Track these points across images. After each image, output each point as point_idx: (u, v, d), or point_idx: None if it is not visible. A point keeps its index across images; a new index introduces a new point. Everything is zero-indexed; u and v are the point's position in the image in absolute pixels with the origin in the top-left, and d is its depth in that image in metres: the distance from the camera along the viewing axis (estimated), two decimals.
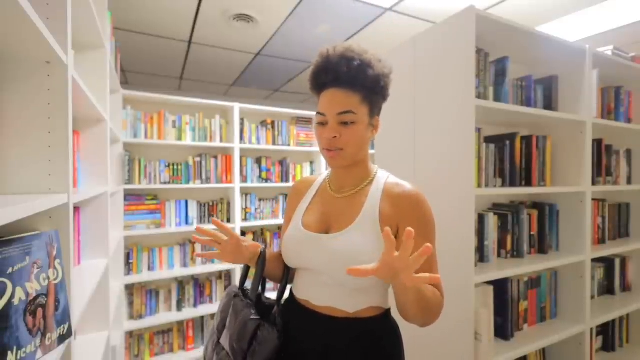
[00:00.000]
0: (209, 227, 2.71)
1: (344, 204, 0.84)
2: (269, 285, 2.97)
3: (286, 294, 0.92)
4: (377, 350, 0.79)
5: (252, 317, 0.81)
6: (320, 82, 0.81)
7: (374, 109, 0.82)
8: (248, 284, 0.94)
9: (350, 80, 0.77)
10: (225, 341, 0.83)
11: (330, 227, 0.83)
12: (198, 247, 2.75)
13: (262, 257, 0.87)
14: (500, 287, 1.48)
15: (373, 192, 0.83)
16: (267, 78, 4.31)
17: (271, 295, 0.92)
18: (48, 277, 0.70)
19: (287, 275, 0.92)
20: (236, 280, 2.80)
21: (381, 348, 0.80)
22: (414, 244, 0.59)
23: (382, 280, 0.77)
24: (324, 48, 0.82)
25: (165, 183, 2.62)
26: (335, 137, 0.78)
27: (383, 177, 0.86)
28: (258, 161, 3.04)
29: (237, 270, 2.79)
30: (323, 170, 3.27)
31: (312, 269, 0.82)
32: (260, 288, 0.92)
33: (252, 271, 0.88)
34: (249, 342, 0.78)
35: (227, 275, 2.87)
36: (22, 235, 0.66)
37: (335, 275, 0.78)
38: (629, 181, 2.07)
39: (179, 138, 2.68)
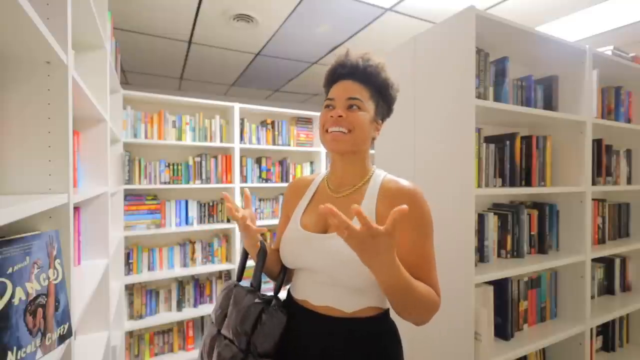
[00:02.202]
0: (210, 227, 2.71)
1: (342, 204, 0.84)
2: (266, 286, 2.96)
3: (283, 295, 0.92)
4: (376, 351, 0.79)
5: (256, 300, 0.82)
6: (337, 74, 0.86)
7: (378, 111, 0.86)
8: (243, 283, 0.94)
9: (364, 77, 0.83)
10: (226, 330, 0.83)
11: (328, 227, 0.83)
12: (198, 247, 2.75)
13: (262, 249, 0.88)
14: (500, 287, 1.48)
15: (370, 191, 0.83)
16: (267, 78, 4.31)
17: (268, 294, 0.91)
18: (48, 277, 0.70)
19: (284, 272, 0.92)
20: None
21: (380, 349, 0.80)
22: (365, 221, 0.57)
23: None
24: (346, 49, 0.88)
25: (165, 183, 2.62)
26: (341, 116, 0.80)
27: (380, 175, 0.87)
28: (258, 161, 3.04)
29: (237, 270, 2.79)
30: (323, 171, 3.27)
31: (310, 269, 0.82)
32: (257, 285, 0.92)
33: (248, 269, 0.88)
34: (253, 325, 0.79)
35: (227, 276, 2.87)
36: (22, 235, 0.66)
37: (333, 274, 0.78)
38: (629, 181, 2.07)
39: (179, 138, 2.68)
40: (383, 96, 0.86)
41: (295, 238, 0.85)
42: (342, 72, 0.85)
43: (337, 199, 0.86)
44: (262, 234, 0.95)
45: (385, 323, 0.83)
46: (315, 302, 0.81)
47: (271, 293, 0.90)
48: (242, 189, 2.93)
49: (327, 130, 0.83)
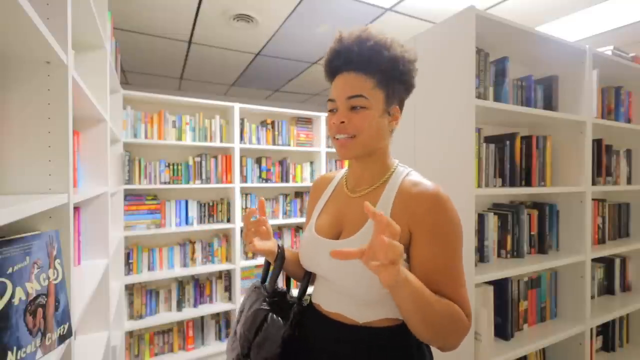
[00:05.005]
0: (210, 227, 2.71)
1: (357, 205, 0.78)
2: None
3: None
4: None
5: (261, 306, 0.80)
6: (333, 67, 0.76)
7: (392, 96, 0.75)
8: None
9: (363, 63, 0.72)
10: (238, 329, 0.83)
11: (342, 231, 0.79)
12: (198, 247, 2.75)
13: (280, 255, 0.85)
14: (500, 287, 1.48)
15: (387, 193, 0.75)
16: (267, 78, 4.31)
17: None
18: (48, 277, 0.70)
19: (308, 275, 0.88)
20: (236, 280, 2.80)
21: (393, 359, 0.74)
22: (386, 226, 0.52)
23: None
24: (339, 32, 0.76)
25: (165, 183, 2.62)
26: (343, 122, 0.73)
27: (402, 174, 0.77)
28: (258, 161, 3.04)
29: (237, 270, 2.79)
30: (323, 171, 3.27)
31: (322, 275, 0.79)
32: (286, 287, 0.92)
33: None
34: (255, 332, 0.78)
35: (227, 276, 2.87)
36: (22, 235, 0.66)
37: (342, 284, 0.73)
38: (629, 181, 2.06)
39: (179, 138, 2.68)
40: (394, 77, 0.74)
41: (310, 242, 0.81)
42: (338, 63, 0.74)
43: (353, 199, 0.80)
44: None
45: (402, 334, 0.73)
46: (326, 307, 0.78)
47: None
48: (241, 189, 2.93)
49: (334, 137, 0.76)
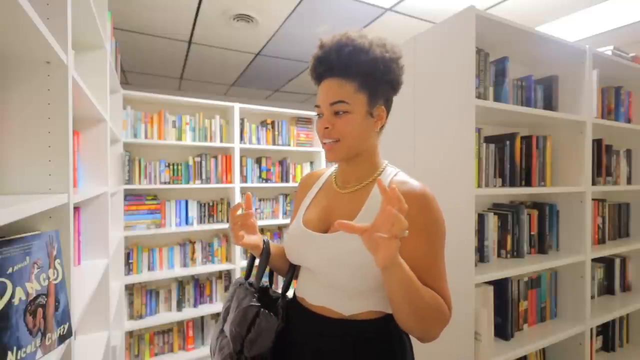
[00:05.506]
0: (210, 227, 2.71)
1: (347, 201, 0.81)
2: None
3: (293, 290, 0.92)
4: (375, 354, 0.75)
5: (251, 303, 0.81)
6: (317, 74, 0.79)
7: (375, 97, 0.77)
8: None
9: (343, 68, 0.74)
10: (227, 328, 0.83)
11: (330, 225, 0.80)
12: (198, 247, 2.75)
13: (265, 249, 0.87)
14: (500, 287, 1.48)
15: (377, 190, 0.77)
16: (267, 78, 4.31)
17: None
18: (48, 277, 0.70)
19: (292, 269, 0.90)
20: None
21: (380, 352, 0.75)
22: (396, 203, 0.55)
23: (380, 277, 0.71)
24: (320, 39, 0.79)
25: (165, 183, 2.62)
26: (327, 127, 0.76)
27: (391, 174, 0.81)
28: (258, 161, 3.04)
29: (237, 270, 2.80)
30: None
31: (310, 268, 0.80)
32: (268, 282, 0.92)
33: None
34: (248, 328, 0.78)
35: (227, 275, 2.87)
36: (22, 235, 0.66)
37: (330, 276, 0.75)
38: (629, 181, 2.07)
39: (179, 138, 2.68)
40: (376, 78, 0.75)
41: (297, 235, 0.83)
42: (321, 70, 0.78)
43: (342, 194, 0.83)
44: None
45: (388, 327, 0.76)
46: (311, 301, 0.80)
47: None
48: (241, 189, 2.93)
49: (322, 141, 0.79)
